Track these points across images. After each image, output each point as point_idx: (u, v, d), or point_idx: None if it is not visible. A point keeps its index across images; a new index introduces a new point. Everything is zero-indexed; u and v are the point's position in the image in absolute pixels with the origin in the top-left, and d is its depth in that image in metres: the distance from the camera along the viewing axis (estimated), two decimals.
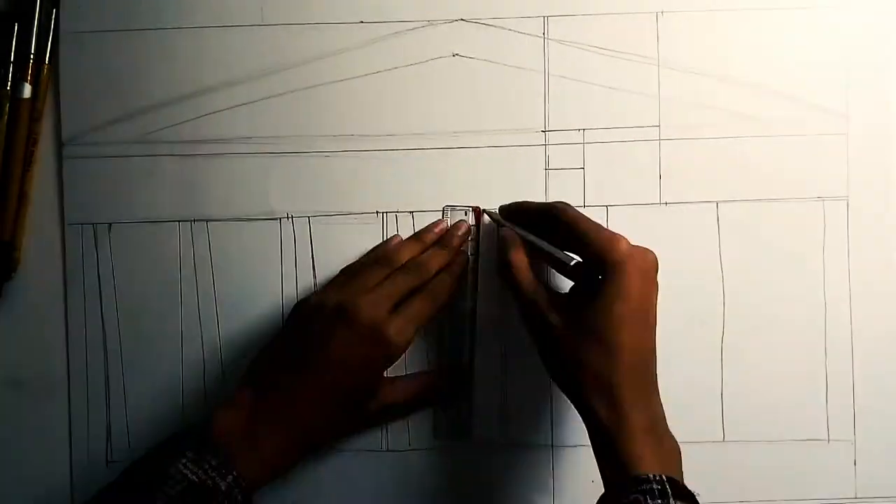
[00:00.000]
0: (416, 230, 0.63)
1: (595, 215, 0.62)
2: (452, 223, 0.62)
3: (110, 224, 0.63)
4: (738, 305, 0.63)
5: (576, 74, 0.63)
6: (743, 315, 0.63)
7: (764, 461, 0.63)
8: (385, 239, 0.63)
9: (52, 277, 0.63)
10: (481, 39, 0.63)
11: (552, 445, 0.63)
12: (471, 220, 0.62)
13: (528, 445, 0.63)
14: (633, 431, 0.52)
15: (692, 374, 0.63)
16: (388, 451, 0.63)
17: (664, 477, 0.50)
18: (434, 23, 0.63)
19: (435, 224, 0.62)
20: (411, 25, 0.63)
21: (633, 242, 0.55)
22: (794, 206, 0.63)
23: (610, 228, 0.56)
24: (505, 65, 0.63)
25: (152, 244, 0.63)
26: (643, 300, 0.54)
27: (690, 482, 0.62)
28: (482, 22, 0.63)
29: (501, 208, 0.62)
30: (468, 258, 0.62)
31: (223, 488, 0.52)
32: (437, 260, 0.60)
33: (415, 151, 0.63)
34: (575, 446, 0.63)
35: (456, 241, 0.61)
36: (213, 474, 0.52)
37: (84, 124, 0.63)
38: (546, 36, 0.63)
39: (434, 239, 0.61)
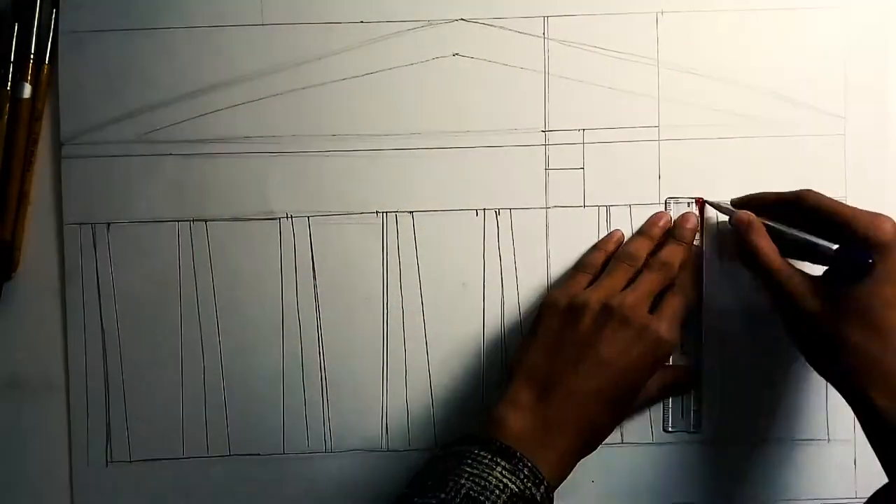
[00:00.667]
0: (417, 230, 0.63)
1: (595, 215, 0.63)
2: (678, 216, 0.62)
3: (109, 224, 0.63)
4: (739, 304, 0.63)
5: (576, 74, 0.63)
6: (744, 314, 0.63)
7: (764, 461, 0.63)
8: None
9: (52, 277, 0.63)
10: (481, 39, 0.63)
11: None
12: (694, 211, 0.62)
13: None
14: None
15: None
16: (388, 451, 0.63)
17: None
18: (434, 23, 0.63)
19: (658, 217, 0.62)
20: (411, 25, 0.63)
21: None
22: None
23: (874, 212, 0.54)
24: (505, 65, 0.63)
25: (151, 244, 0.63)
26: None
27: (691, 482, 0.62)
28: (482, 22, 0.63)
29: (734, 201, 0.61)
30: (701, 252, 0.62)
31: (538, 498, 0.51)
32: (679, 256, 0.60)
33: (415, 151, 0.63)
34: None
35: (688, 235, 0.61)
36: (529, 484, 0.51)
37: (83, 124, 0.63)
38: (546, 36, 0.63)
39: (660, 233, 0.61)
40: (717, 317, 0.63)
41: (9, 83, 0.62)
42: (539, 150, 0.63)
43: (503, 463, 0.51)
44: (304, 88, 0.63)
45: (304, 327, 0.63)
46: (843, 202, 0.56)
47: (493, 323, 0.63)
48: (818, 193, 0.56)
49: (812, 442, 0.63)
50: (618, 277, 0.59)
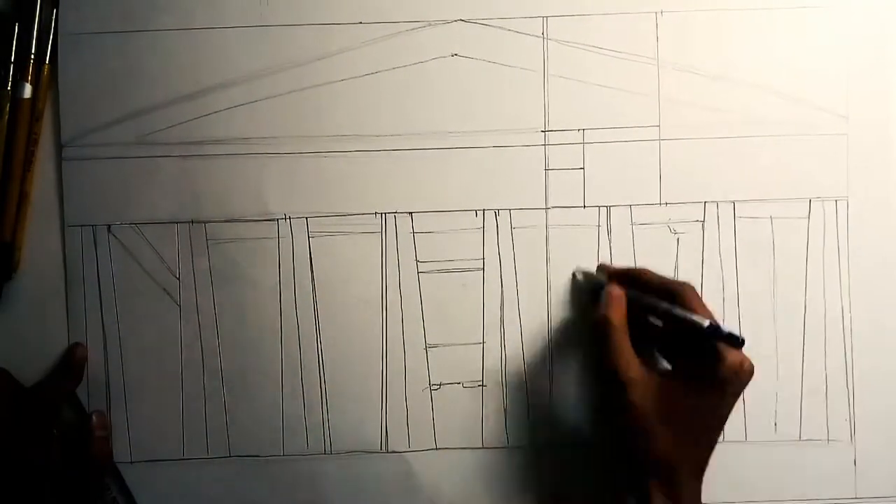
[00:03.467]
0: (416, 231, 0.63)
1: (595, 215, 0.63)
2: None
3: (109, 226, 0.63)
4: (737, 306, 0.63)
5: (575, 74, 0.63)
6: (742, 315, 0.63)
7: (764, 461, 0.63)
8: None
9: (53, 278, 0.63)
10: (480, 40, 0.63)
11: (551, 447, 0.63)
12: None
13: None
14: None
15: None
16: (387, 452, 0.63)
17: None
18: (433, 23, 0.63)
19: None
20: (410, 26, 0.63)
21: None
22: (793, 206, 0.63)
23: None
24: (504, 65, 0.63)
25: (151, 245, 0.63)
26: (726, 412, 0.56)
27: None
28: (481, 22, 0.63)
29: (614, 271, 0.62)
30: None
31: None
32: None
33: (414, 152, 0.63)
34: (572, 447, 0.63)
35: None
36: None
37: (83, 126, 0.63)
38: (545, 36, 0.63)
39: None
40: None
41: (9, 83, 0.62)
42: (539, 151, 0.63)
43: None
44: (303, 89, 0.63)
45: (302, 328, 0.63)
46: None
47: (493, 324, 0.63)
48: (691, 292, 0.58)
49: (811, 442, 0.63)
50: None
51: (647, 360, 0.58)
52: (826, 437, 0.63)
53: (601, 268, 0.62)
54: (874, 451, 0.63)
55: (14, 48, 0.62)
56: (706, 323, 0.55)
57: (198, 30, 0.63)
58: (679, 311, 0.57)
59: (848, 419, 0.63)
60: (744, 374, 0.55)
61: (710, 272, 0.63)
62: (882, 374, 0.63)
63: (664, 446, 0.55)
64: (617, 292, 0.59)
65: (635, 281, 0.60)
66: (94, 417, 0.61)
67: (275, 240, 0.63)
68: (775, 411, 0.63)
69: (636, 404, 0.55)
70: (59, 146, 0.63)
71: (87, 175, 0.63)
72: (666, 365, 0.60)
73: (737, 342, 0.55)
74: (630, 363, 0.56)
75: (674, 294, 0.58)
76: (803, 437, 0.63)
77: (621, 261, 0.63)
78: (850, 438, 0.63)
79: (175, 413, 0.63)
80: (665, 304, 0.57)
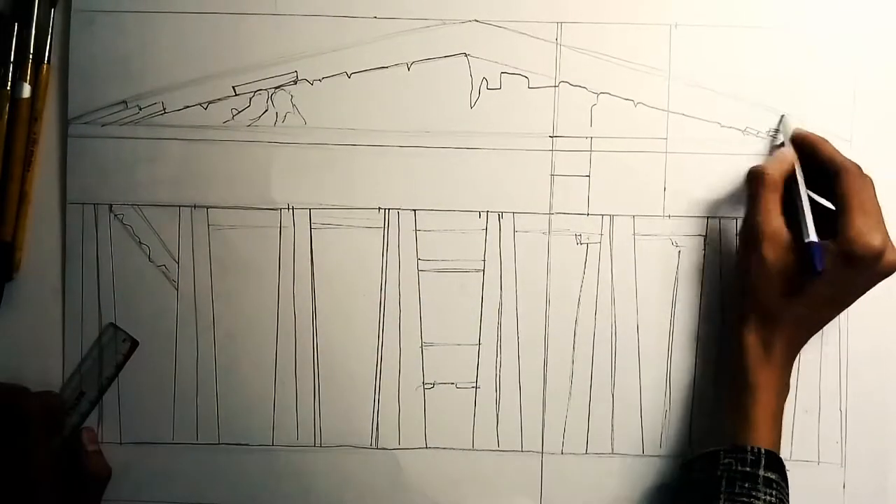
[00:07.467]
0: (419, 229, 0.63)
1: (598, 223, 0.63)
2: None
3: (111, 205, 0.63)
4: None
5: (586, 82, 0.63)
6: None
7: None
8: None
9: (54, 277, 0.63)
10: (494, 41, 0.63)
11: (542, 452, 0.63)
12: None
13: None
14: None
15: (687, 386, 0.63)
16: (377, 449, 0.63)
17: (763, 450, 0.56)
18: (448, 22, 0.63)
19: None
20: (425, 23, 0.63)
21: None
22: None
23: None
24: (516, 68, 0.63)
25: (152, 227, 0.63)
26: (849, 292, 0.59)
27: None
28: (496, 24, 0.63)
29: (798, 134, 0.62)
30: None
31: None
32: None
33: (420, 149, 0.63)
34: (562, 454, 0.63)
35: None
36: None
37: (91, 102, 0.63)
38: (559, 42, 0.63)
39: None
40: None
41: (8, 83, 0.62)
42: (545, 156, 0.63)
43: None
44: (313, 80, 0.63)
45: (299, 320, 0.63)
46: (866, 197, 0.58)
47: (490, 327, 0.63)
48: (852, 174, 0.58)
49: (801, 463, 0.62)
50: None
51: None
52: (817, 459, 0.63)
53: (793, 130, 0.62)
54: (864, 476, 0.62)
55: (13, 48, 0.62)
56: (809, 237, 0.56)
57: (212, 14, 0.63)
58: (804, 198, 0.58)
59: (839, 442, 0.63)
60: (865, 251, 0.56)
61: (710, 287, 0.63)
62: (876, 400, 0.63)
63: (776, 302, 0.57)
64: (787, 152, 0.60)
65: (810, 148, 0.60)
66: (84, 434, 0.61)
67: (277, 229, 0.63)
68: None
69: (766, 258, 0.57)
70: (64, 122, 0.63)
71: (92, 152, 0.63)
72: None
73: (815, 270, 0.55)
74: (771, 216, 0.58)
75: (832, 173, 0.58)
76: (794, 458, 0.62)
77: (622, 272, 0.63)
78: (841, 462, 0.63)
79: (167, 396, 0.62)
80: (801, 185, 0.58)
